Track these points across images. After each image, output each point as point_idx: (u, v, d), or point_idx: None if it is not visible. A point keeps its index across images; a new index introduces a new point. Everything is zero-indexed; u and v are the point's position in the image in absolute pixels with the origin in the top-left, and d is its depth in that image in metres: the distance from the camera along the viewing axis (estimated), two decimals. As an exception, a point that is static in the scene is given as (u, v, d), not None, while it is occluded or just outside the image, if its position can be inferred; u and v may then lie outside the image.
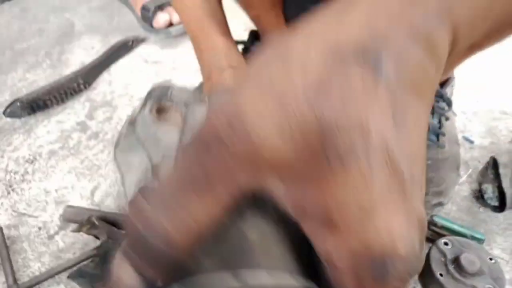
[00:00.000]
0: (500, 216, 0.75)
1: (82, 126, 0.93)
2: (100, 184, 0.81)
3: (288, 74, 0.16)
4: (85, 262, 0.66)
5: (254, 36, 0.96)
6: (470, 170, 0.83)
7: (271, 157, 0.16)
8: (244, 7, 0.93)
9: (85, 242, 0.72)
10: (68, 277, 0.64)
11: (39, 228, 0.75)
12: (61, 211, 0.77)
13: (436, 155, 0.76)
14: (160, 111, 0.39)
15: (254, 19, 0.93)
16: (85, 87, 0.99)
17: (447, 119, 0.82)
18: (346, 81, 0.16)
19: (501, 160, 0.74)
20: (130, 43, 1.09)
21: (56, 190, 0.80)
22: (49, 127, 0.92)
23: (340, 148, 0.15)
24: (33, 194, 0.80)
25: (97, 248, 0.67)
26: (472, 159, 0.85)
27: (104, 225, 0.67)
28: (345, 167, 0.16)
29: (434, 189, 0.74)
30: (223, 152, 0.16)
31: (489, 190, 0.74)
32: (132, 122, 0.41)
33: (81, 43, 1.14)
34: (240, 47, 0.95)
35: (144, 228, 0.17)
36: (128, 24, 1.20)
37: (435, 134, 0.79)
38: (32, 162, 0.85)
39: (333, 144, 0.15)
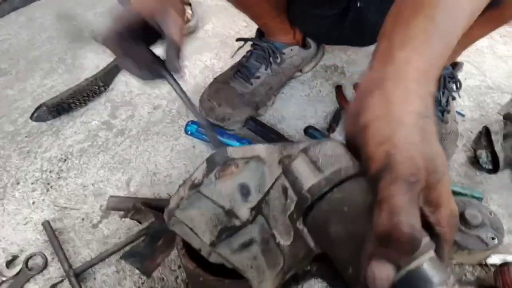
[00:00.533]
0: (494, 177, 0.85)
1: (107, 125, 0.99)
2: (133, 176, 0.88)
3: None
4: (135, 243, 0.73)
5: (261, 33, 1.03)
6: (464, 140, 0.93)
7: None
8: (251, 17, 1.01)
9: (128, 227, 0.79)
10: (121, 257, 0.71)
11: (83, 219, 0.81)
12: (100, 202, 0.84)
13: (441, 130, 0.86)
14: (224, 170, 0.44)
15: (262, 26, 1.01)
16: (105, 89, 1.05)
17: (453, 98, 0.91)
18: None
19: (492, 128, 0.84)
20: (140, 45, 1.15)
21: (92, 184, 0.87)
22: (75, 127, 0.98)
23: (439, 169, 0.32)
24: (71, 189, 0.86)
25: (146, 228, 0.74)
26: (464, 130, 0.95)
27: (147, 209, 0.74)
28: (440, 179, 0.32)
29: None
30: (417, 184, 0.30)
31: (484, 156, 0.84)
32: (194, 186, 0.44)
33: (92, 48, 1.19)
34: (249, 44, 1.03)
35: (395, 229, 0.27)
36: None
37: (441, 111, 0.89)
38: (65, 160, 0.92)
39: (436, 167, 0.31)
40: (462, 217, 0.71)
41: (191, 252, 0.52)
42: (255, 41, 1.03)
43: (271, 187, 0.40)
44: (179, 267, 0.74)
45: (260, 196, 0.42)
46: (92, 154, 0.93)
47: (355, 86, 1.06)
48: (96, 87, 1.03)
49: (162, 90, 1.07)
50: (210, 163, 0.44)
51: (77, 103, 1.00)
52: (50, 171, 0.90)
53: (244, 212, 0.43)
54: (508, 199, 0.81)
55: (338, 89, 1.04)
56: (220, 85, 0.98)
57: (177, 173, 0.88)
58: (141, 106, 1.04)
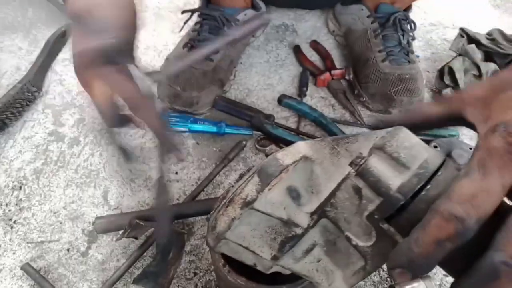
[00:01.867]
0: (460, 112, 0.91)
1: (56, 136, 0.86)
2: (109, 187, 0.79)
3: None
4: (147, 263, 0.67)
5: (208, 1, 0.94)
6: (425, 81, 0.97)
7: None
8: None
9: (124, 246, 0.72)
10: (133, 282, 0.64)
11: (68, 250, 0.71)
12: (81, 226, 0.74)
13: (410, 70, 0.88)
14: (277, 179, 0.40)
15: None
16: (38, 94, 0.90)
17: (413, 39, 0.93)
18: None
19: (455, 67, 0.88)
20: (63, 34, 0.99)
21: (64, 208, 0.76)
22: (18, 146, 0.84)
23: None
24: (40, 219, 0.75)
25: (155, 246, 0.67)
26: (422, 71, 0.99)
27: (147, 223, 0.67)
28: None
29: (417, 98, 0.87)
30: None
31: (449, 94, 0.89)
32: (248, 204, 0.40)
33: (4, 46, 1.00)
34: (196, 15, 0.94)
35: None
36: (47, 13, 1.08)
37: (407, 53, 0.90)
38: (20, 188, 0.78)
39: None
40: (450, 158, 0.76)
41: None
42: (203, 10, 0.93)
43: (337, 188, 0.37)
44: (195, 274, 0.69)
45: (321, 199, 0.39)
46: (50, 173, 0.80)
47: (311, 43, 1.03)
48: (29, 94, 0.88)
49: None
50: (263, 176, 0.39)
51: (11, 117, 0.85)
52: (7, 204, 0.76)
53: (303, 218, 0.40)
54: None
55: (297, 49, 1.01)
56: (176, 66, 0.89)
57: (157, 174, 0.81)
58: (88, 105, 0.91)
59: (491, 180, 0.27)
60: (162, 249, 0.66)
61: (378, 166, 0.33)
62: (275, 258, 0.41)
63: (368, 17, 0.94)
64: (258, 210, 0.39)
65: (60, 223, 0.74)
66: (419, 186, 0.33)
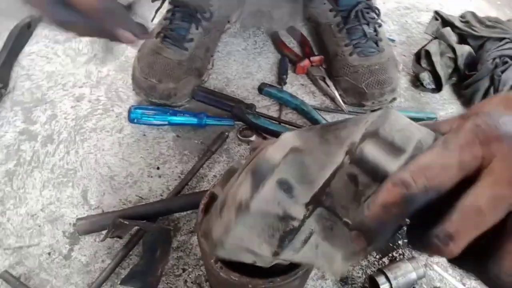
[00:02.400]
0: (437, 95, 0.93)
1: (28, 134, 0.81)
2: (88, 186, 0.76)
3: None
4: (134, 263, 0.65)
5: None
6: (401, 65, 0.98)
7: None
8: None
9: (108, 246, 0.70)
10: (120, 283, 0.63)
11: (49, 254, 0.69)
12: (61, 228, 0.71)
13: (380, 59, 0.88)
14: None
15: None
16: (5, 90, 0.85)
17: (380, 26, 0.93)
18: None
19: (431, 50, 0.89)
20: (28, 25, 0.93)
21: (41, 210, 0.73)
22: (-14, 147, 0.79)
23: None
24: (16, 224, 0.71)
25: (141, 244, 0.66)
26: (398, 55, 1.00)
27: (131, 222, 0.66)
28: None
29: (388, 88, 0.87)
30: None
31: (426, 77, 0.90)
32: (242, 207, 0.39)
33: (-39, 39, 0.93)
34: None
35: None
36: (9, 2, 1.01)
37: (375, 41, 0.90)
38: (-8, 191, 0.74)
39: None
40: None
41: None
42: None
43: (332, 178, 0.37)
44: (184, 270, 0.68)
45: (315, 188, 0.38)
46: (25, 174, 0.77)
47: (289, 30, 1.02)
48: (-5, 91, 0.83)
49: (78, 75, 0.90)
50: (256, 176, 0.38)
51: (-23, 117, 0.80)
52: (-22, 210, 0.72)
53: (299, 210, 0.40)
54: (454, 113, 0.90)
55: (274, 36, 0.99)
56: (151, 57, 0.86)
57: (138, 169, 0.78)
58: (59, 101, 0.87)
59: (449, 155, 0.28)
60: (148, 247, 0.65)
61: (374, 152, 0.33)
62: (276, 254, 0.40)
63: (330, 11, 0.94)
64: (253, 211, 0.39)
65: (39, 226, 0.71)
66: None
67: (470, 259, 0.28)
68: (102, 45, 0.54)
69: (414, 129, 0.33)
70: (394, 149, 0.32)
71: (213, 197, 0.44)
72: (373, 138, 0.33)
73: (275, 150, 0.39)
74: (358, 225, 0.30)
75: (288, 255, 0.41)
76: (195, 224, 0.59)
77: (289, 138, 0.39)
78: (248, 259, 0.41)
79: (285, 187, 0.39)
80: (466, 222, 0.26)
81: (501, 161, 0.27)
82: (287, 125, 0.84)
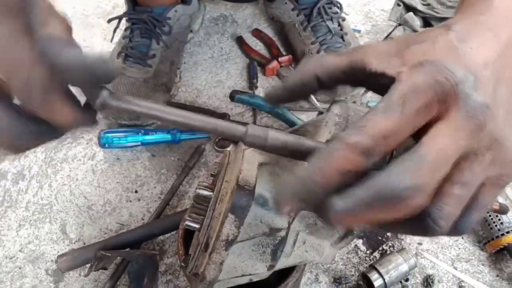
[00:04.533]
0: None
1: (-3, 173, 0.78)
2: (66, 220, 0.73)
3: None
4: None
5: (133, 1, 0.88)
6: (370, 54, 0.97)
7: None
8: None
9: (95, 279, 0.68)
10: (110, 317, 0.61)
11: (33, 295, 0.66)
12: (43, 266, 0.69)
13: None
14: None
15: None
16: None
17: (343, 20, 0.93)
18: None
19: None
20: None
21: (20, 251, 0.70)
22: (-46, 193, 0.76)
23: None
24: (-5, 268, 0.69)
25: (127, 273, 0.64)
26: (365, 45, 0.99)
27: (113, 252, 0.64)
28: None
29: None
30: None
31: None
32: (231, 243, 0.38)
33: None
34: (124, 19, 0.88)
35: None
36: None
37: (340, 36, 0.90)
38: (-35, 238, 0.71)
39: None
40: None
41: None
42: (130, 15, 0.88)
43: None
44: (175, 293, 0.67)
45: None
46: (-2, 215, 0.74)
47: (254, 32, 1.01)
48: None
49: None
50: (238, 211, 0.38)
51: None
52: (-47, 260, 0.69)
53: (282, 220, 0.40)
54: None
55: (240, 41, 0.97)
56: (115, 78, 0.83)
57: (116, 196, 0.76)
58: (26, 134, 0.84)
59: (407, 121, 0.26)
60: (134, 276, 0.63)
61: None
62: (271, 268, 0.41)
63: (292, 10, 0.93)
64: (241, 241, 0.38)
65: (19, 268, 0.69)
66: (389, 155, 0.33)
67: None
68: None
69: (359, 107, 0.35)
70: None
71: (188, 229, 0.43)
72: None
73: (247, 174, 0.38)
74: (299, 188, 0.26)
75: (282, 263, 0.41)
76: (178, 259, 0.57)
77: (255, 157, 0.39)
78: (244, 280, 0.41)
79: (260, 201, 0.38)
80: (435, 172, 0.25)
81: (457, 113, 0.26)
82: (263, 130, 0.83)
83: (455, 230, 0.27)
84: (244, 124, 0.31)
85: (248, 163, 0.39)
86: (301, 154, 0.31)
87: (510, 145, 0.28)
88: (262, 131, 0.31)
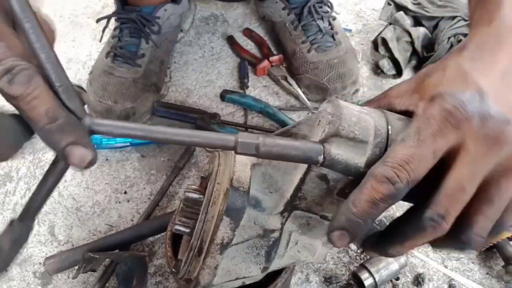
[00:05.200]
0: (398, 80, 0.93)
1: (-16, 175, 0.77)
2: (54, 222, 0.73)
3: None
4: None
5: (122, 1, 0.88)
6: (361, 54, 0.97)
7: None
8: None
9: (83, 281, 0.67)
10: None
11: (20, 298, 0.65)
12: (31, 269, 0.68)
13: (339, 53, 0.88)
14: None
15: None
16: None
17: (334, 19, 0.92)
18: None
19: (387, 36, 0.89)
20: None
21: (7, 253, 0.69)
22: None
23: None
24: (-19, 271, 0.68)
25: (115, 275, 0.63)
26: (356, 44, 0.99)
27: (101, 254, 0.63)
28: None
29: (350, 80, 0.87)
30: None
31: (386, 64, 0.90)
32: (226, 246, 0.38)
33: None
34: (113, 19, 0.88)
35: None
36: None
37: (331, 35, 0.90)
38: (-49, 241, 0.70)
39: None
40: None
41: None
42: (119, 14, 0.87)
43: (302, 183, 0.36)
44: (164, 294, 0.66)
45: (286, 196, 0.38)
46: (-15, 218, 0.73)
47: (245, 32, 1.00)
48: None
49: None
50: (233, 213, 0.37)
51: None
52: None
53: (275, 221, 0.39)
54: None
55: (231, 40, 0.97)
56: (104, 78, 0.83)
57: (105, 197, 0.76)
58: (14, 135, 0.83)
59: (424, 147, 0.29)
60: (123, 278, 0.62)
61: (341, 151, 0.33)
62: (265, 270, 0.40)
63: (283, 9, 0.92)
64: (236, 244, 0.38)
65: (6, 271, 0.68)
66: (382, 154, 0.33)
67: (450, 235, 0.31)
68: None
69: (367, 117, 0.34)
70: (357, 143, 0.33)
71: (176, 233, 0.42)
72: (336, 138, 0.33)
73: (241, 176, 0.38)
74: (344, 223, 0.31)
75: (275, 264, 0.41)
76: (167, 261, 0.57)
77: (245, 158, 0.39)
78: (237, 284, 0.41)
79: (253, 202, 0.38)
80: (453, 200, 0.29)
81: (473, 139, 0.29)
82: (254, 130, 0.83)
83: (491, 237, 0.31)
84: (236, 125, 0.31)
85: (240, 164, 0.38)
86: (295, 157, 0.31)
87: None
88: (253, 138, 0.31)
